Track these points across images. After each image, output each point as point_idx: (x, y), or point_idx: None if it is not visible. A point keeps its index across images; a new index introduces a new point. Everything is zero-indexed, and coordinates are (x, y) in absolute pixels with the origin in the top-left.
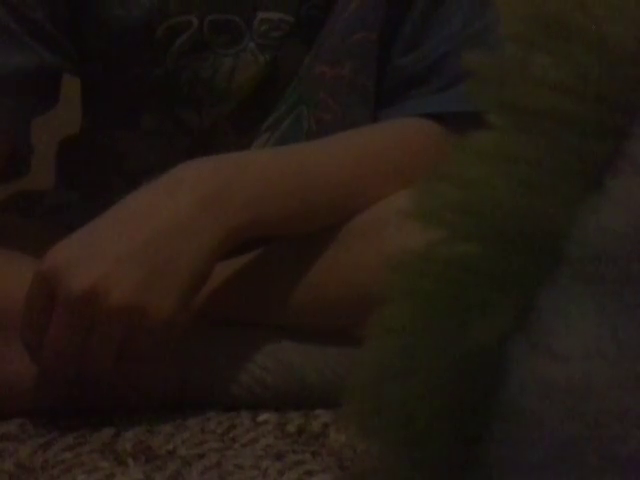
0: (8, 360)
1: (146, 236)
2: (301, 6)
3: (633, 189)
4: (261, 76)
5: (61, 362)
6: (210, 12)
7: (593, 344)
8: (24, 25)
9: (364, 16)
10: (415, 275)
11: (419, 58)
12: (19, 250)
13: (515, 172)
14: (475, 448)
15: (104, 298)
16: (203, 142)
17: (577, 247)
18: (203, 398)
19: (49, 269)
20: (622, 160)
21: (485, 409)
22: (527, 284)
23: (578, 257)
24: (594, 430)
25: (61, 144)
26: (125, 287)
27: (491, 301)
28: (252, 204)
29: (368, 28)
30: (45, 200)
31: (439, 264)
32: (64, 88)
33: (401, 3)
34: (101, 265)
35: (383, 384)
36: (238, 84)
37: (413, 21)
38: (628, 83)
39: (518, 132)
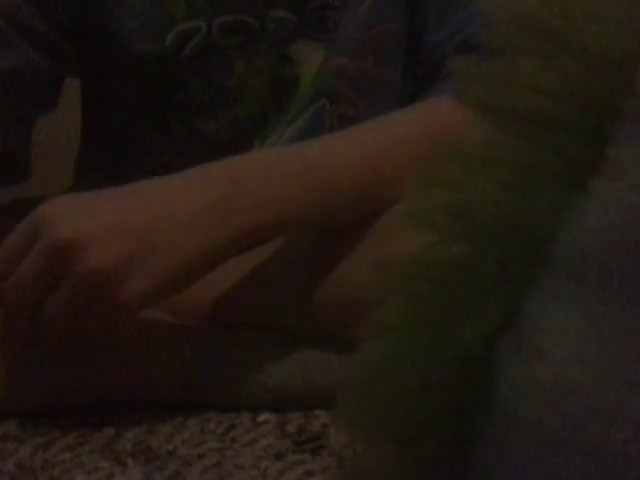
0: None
1: (146, 217)
2: (306, 4)
3: (616, 191)
4: (273, 75)
5: (20, 299)
6: (219, 15)
7: (577, 344)
8: (17, 28)
9: (383, 7)
10: (407, 277)
11: (451, 34)
12: None
13: (502, 175)
14: (468, 448)
15: (86, 254)
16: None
17: (562, 248)
18: (203, 400)
19: (42, 213)
20: (606, 163)
21: (476, 409)
22: (515, 285)
23: (563, 258)
24: (578, 430)
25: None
26: (110, 252)
27: (481, 302)
28: (260, 208)
29: (389, 19)
30: None
31: (430, 266)
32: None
33: None
34: (95, 224)
35: (376, 385)
36: (251, 85)
37: None
38: (610, 87)
39: (505, 136)
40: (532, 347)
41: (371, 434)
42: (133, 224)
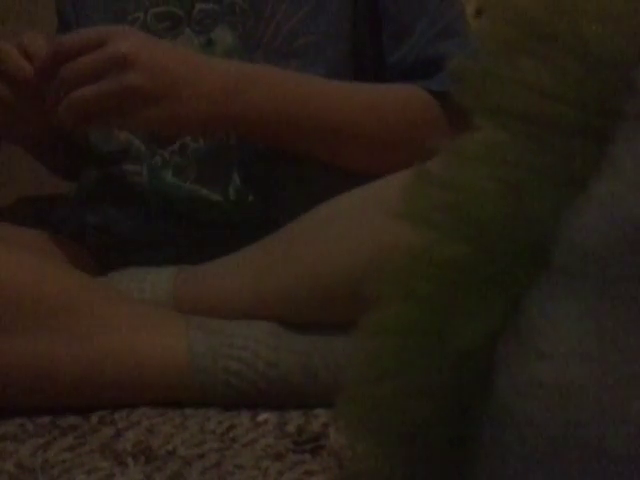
0: (8, 353)
1: (182, 65)
2: None
3: (616, 191)
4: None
5: (72, 76)
6: (154, 7)
7: (577, 343)
8: None
9: (307, 24)
10: (407, 276)
11: (405, 55)
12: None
13: (503, 175)
14: (468, 448)
15: (131, 73)
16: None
17: (562, 248)
18: (205, 399)
19: (115, 29)
20: (605, 163)
21: (476, 409)
22: (515, 285)
23: (563, 258)
24: (578, 429)
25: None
26: (149, 78)
27: (481, 302)
28: (263, 102)
29: (311, 33)
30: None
31: (430, 266)
32: None
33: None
34: (148, 52)
35: (376, 385)
36: None
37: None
38: (609, 87)
39: (505, 136)
40: (532, 347)
41: (371, 434)
42: (173, 69)
